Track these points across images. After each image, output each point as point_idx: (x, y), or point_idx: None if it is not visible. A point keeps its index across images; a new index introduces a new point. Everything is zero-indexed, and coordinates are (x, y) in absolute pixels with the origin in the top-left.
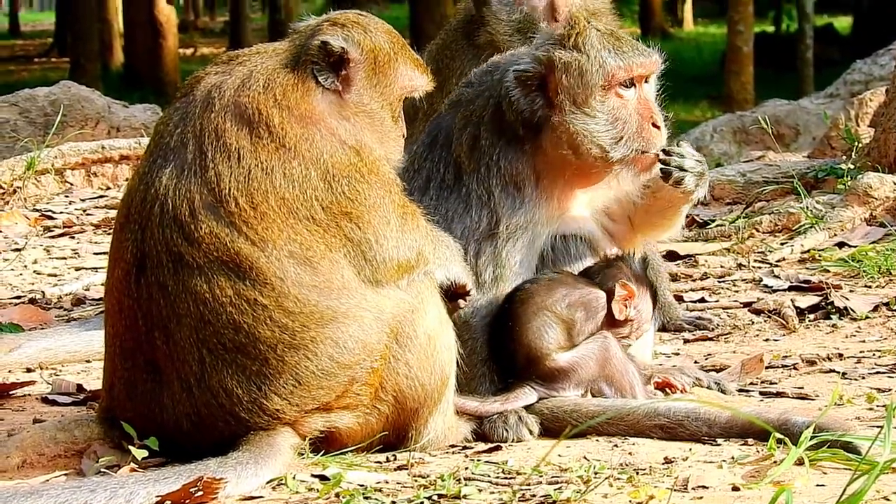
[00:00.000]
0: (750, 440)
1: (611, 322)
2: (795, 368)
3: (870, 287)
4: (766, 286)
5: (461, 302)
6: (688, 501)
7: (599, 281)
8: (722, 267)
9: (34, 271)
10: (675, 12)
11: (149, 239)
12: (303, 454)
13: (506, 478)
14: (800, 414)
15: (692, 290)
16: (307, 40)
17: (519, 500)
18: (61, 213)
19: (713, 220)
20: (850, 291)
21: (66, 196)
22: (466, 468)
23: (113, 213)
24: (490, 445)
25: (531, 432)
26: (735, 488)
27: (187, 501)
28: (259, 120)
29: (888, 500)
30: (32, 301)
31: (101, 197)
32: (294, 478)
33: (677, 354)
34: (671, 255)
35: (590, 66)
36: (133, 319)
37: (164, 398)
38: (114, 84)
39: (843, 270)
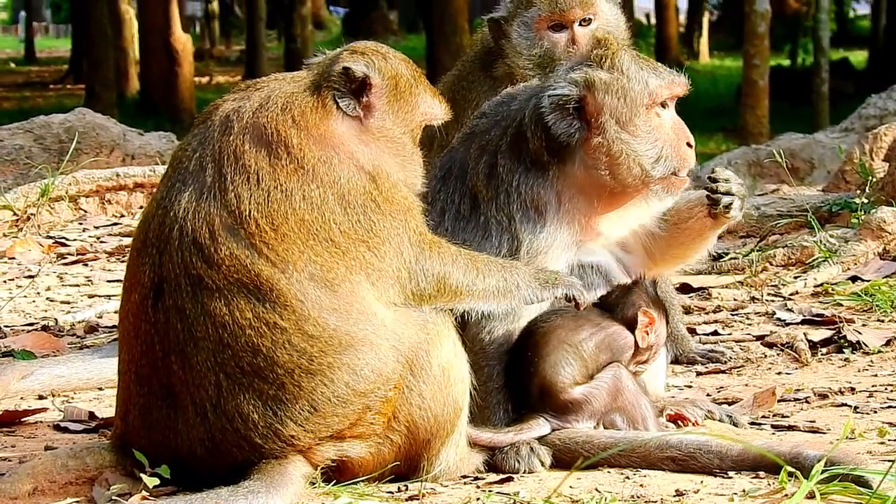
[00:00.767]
0: (761, 473)
1: (635, 351)
2: (807, 402)
3: (882, 321)
4: (778, 319)
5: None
6: None
7: (619, 310)
8: (735, 300)
9: (47, 298)
10: (692, 45)
11: (167, 263)
12: (314, 483)
13: None
14: (811, 447)
15: (705, 322)
16: (328, 67)
17: None
18: (75, 240)
19: (727, 253)
20: (863, 325)
21: (80, 223)
22: (478, 499)
23: (127, 241)
24: (501, 476)
25: (543, 464)
26: None
27: None
28: (278, 140)
29: None
30: (45, 328)
31: (115, 224)
32: None
33: (690, 387)
34: (684, 288)
35: (633, 85)
36: (150, 344)
37: (178, 424)
38: (129, 111)
39: (856, 304)
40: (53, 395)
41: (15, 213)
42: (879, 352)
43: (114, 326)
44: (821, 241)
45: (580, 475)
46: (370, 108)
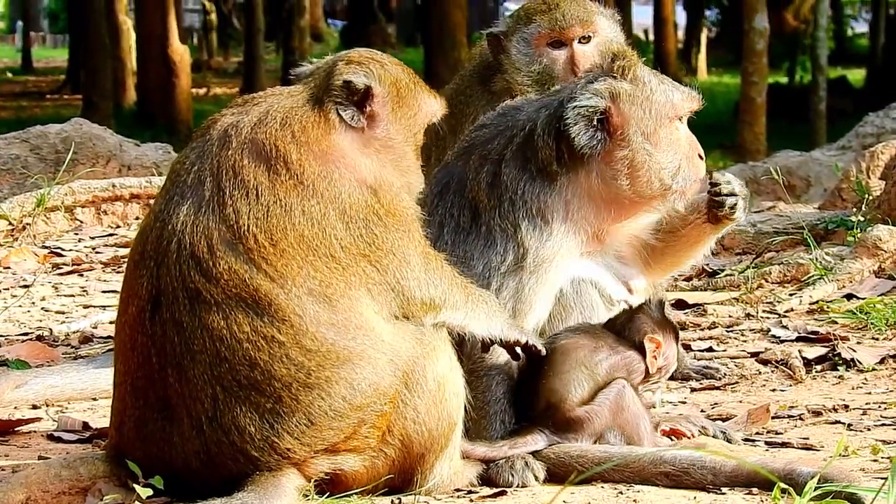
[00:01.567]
0: (755, 490)
1: (646, 376)
2: (801, 419)
3: (877, 339)
4: (773, 336)
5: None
6: None
7: (626, 336)
8: (730, 316)
9: (42, 308)
10: (690, 61)
11: (165, 276)
12: (307, 496)
13: None
14: (805, 464)
15: (700, 339)
16: (326, 80)
17: None
18: (70, 250)
19: (722, 270)
20: (858, 343)
21: (76, 234)
22: None
23: (123, 252)
24: (495, 490)
25: (537, 478)
26: None
27: None
28: (277, 156)
29: None
30: (40, 338)
31: (111, 235)
32: None
33: (684, 403)
34: (680, 304)
35: (658, 97)
36: (146, 357)
37: (174, 436)
38: (126, 122)
39: (851, 322)
40: (47, 405)
41: (10, 223)
42: (874, 369)
43: (108, 337)
44: (816, 259)
45: (574, 490)
46: (374, 117)
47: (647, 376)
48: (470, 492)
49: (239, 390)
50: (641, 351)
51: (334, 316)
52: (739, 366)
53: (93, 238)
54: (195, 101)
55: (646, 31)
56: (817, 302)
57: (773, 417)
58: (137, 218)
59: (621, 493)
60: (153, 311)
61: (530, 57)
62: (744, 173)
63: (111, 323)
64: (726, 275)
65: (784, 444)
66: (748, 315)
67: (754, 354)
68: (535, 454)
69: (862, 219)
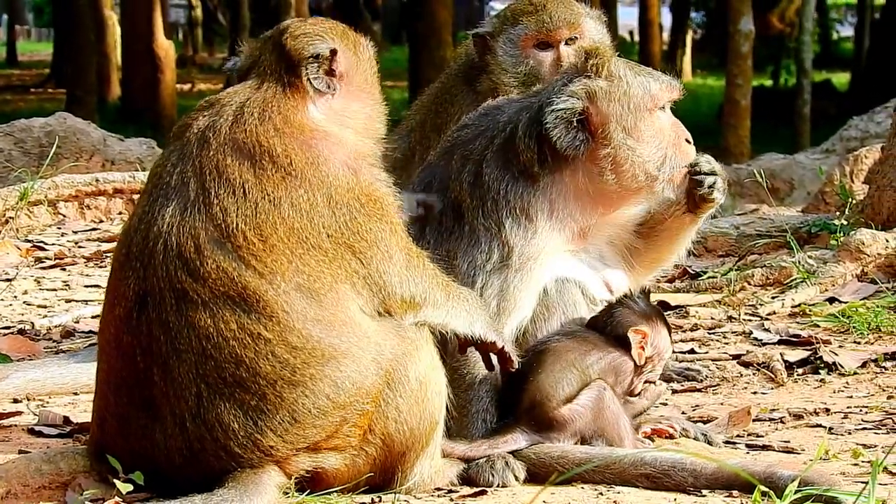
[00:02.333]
0: (735, 492)
1: (636, 369)
2: (782, 422)
3: (859, 343)
4: (755, 339)
5: (494, 360)
6: None
7: (609, 331)
8: (712, 319)
9: (24, 302)
10: (675, 63)
11: (151, 276)
12: (287, 493)
13: None
14: (786, 467)
15: (682, 340)
16: (284, 62)
17: None
18: (53, 244)
19: (705, 272)
20: (840, 347)
21: (59, 228)
22: None
23: (106, 247)
24: (475, 490)
25: (517, 478)
26: None
27: None
28: (261, 152)
29: None
30: (21, 332)
31: (94, 230)
32: None
33: (665, 405)
34: (662, 306)
35: (635, 91)
36: (132, 356)
37: (156, 433)
38: (110, 117)
39: (833, 326)
40: (28, 399)
41: None
42: (855, 373)
43: (90, 331)
44: (799, 262)
45: (554, 490)
46: (343, 77)
47: (638, 369)
48: (450, 491)
49: (224, 387)
50: (627, 345)
51: (321, 312)
52: (721, 368)
53: (76, 232)
54: (180, 96)
55: (631, 33)
56: (800, 305)
57: (754, 420)
58: (121, 213)
59: (601, 493)
60: (140, 311)
61: (516, 58)
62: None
63: (93, 317)
64: (709, 277)
65: (765, 447)
66: (730, 317)
67: (736, 357)
68: (515, 454)
69: (845, 222)
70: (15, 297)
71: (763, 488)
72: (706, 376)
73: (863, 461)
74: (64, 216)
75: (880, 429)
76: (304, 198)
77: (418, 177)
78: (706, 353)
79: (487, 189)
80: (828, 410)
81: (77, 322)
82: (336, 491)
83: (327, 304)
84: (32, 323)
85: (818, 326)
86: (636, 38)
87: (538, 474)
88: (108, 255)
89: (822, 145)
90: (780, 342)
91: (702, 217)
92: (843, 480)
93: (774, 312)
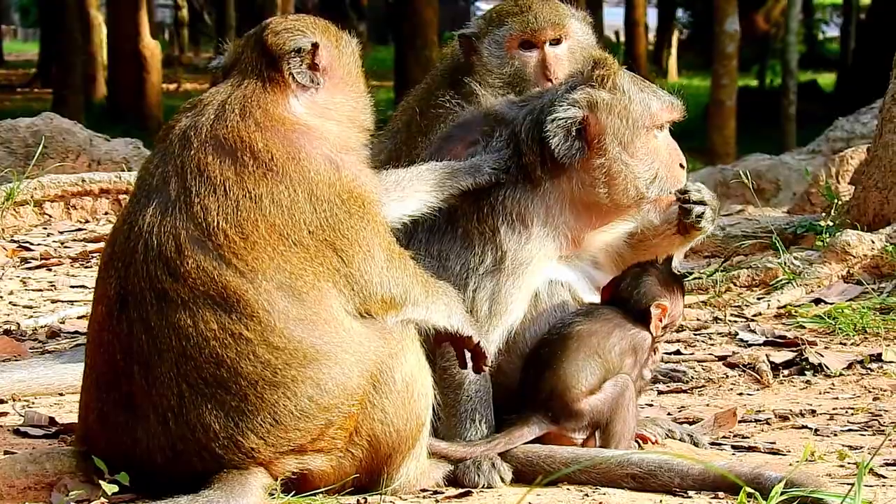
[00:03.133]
0: (721, 493)
1: (652, 341)
2: (768, 423)
3: (845, 344)
4: (741, 340)
5: (468, 358)
6: None
7: (633, 304)
8: (698, 320)
9: (10, 303)
10: (660, 63)
11: (132, 276)
12: (273, 494)
13: None
14: (771, 469)
15: (668, 341)
16: (265, 58)
17: None
18: (39, 244)
19: (691, 273)
20: (825, 348)
21: (45, 228)
22: None
23: (92, 247)
24: (461, 491)
25: (503, 479)
26: None
27: None
28: (242, 148)
29: None
30: (7, 332)
31: (80, 230)
32: None
33: (651, 405)
34: None
35: (635, 107)
36: (112, 354)
37: (138, 432)
38: (96, 117)
39: (819, 327)
40: (14, 400)
41: None
42: (841, 375)
43: (76, 332)
44: (785, 263)
45: (540, 491)
46: (326, 70)
47: (654, 340)
48: (436, 492)
49: (205, 388)
50: (647, 318)
51: (303, 311)
52: (707, 369)
53: (62, 233)
54: (166, 96)
55: (617, 33)
56: (785, 306)
57: (739, 421)
58: (107, 213)
59: (587, 495)
60: (120, 310)
61: (501, 59)
62: (713, 176)
63: (79, 318)
64: (695, 278)
65: (751, 449)
66: (716, 318)
67: (722, 358)
68: (502, 455)
69: (831, 223)
70: (0, 297)
71: (749, 490)
72: (692, 377)
73: (849, 462)
74: (50, 216)
75: (866, 430)
76: (285, 194)
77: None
78: (692, 354)
79: (484, 192)
80: (813, 412)
81: (63, 322)
82: (322, 492)
83: (309, 302)
84: (18, 323)
85: (804, 328)
86: (622, 38)
87: (525, 473)
88: (95, 255)
89: (808, 146)
90: (765, 343)
91: (690, 242)
92: (829, 482)
93: (760, 313)
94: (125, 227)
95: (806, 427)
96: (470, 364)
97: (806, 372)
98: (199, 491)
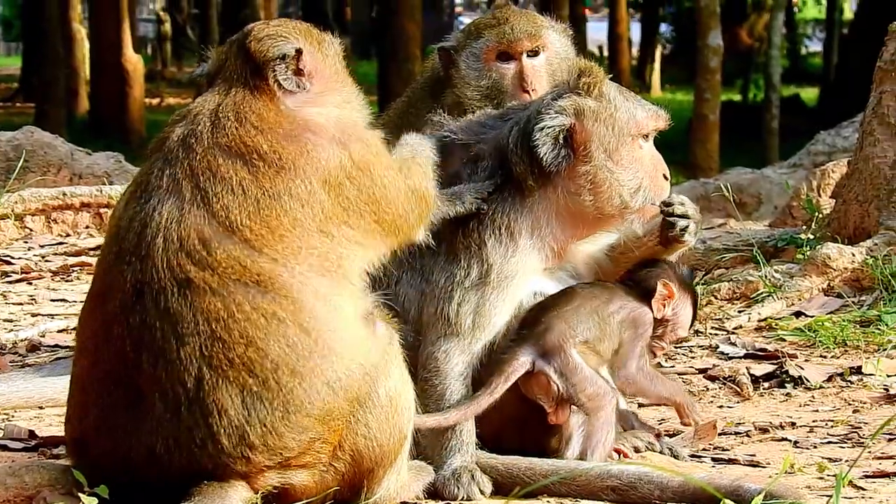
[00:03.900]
0: None
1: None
2: (748, 436)
3: (825, 357)
4: (722, 353)
5: None
6: None
7: (643, 280)
8: None
9: None
10: (644, 78)
11: (149, 269)
12: None
13: None
14: (751, 481)
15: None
16: (249, 65)
17: None
18: (20, 258)
19: None
20: (806, 361)
21: (26, 242)
22: None
23: (73, 261)
24: (440, 503)
25: (482, 492)
26: None
27: None
28: (249, 152)
29: None
30: None
31: (61, 244)
32: None
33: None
34: None
35: (621, 115)
36: (122, 347)
37: (140, 428)
38: (78, 131)
39: (800, 340)
40: None
41: None
42: (821, 387)
43: (56, 346)
44: (766, 276)
45: (519, 503)
46: (311, 74)
47: (656, 325)
48: None
49: (229, 369)
50: (651, 297)
51: (331, 288)
52: (687, 382)
53: (42, 246)
54: (148, 110)
55: (600, 48)
56: (766, 319)
57: (720, 434)
58: (87, 227)
59: None
60: (135, 302)
61: (479, 71)
62: (695, 190)
63: (59, 332)
64: None
65: (731, 461)
66: (697, 331)
67: (702, 371)
68: (482, 467)
69: (812, 237)
70: None
71: (729, 502)
72: None
73: (828, 475)
74: (31, 230)
75: (846, 442)
76: (302, 188)
77: None
78: (672, 366)
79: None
80: (793, 424)
81: (43, 336)
82: None
83: (336, 281)
84: None
85: (784, 340)
86: (605, 52)
87: (505, 485)
88: (76, 269)
89: (789, 160)
90: (746, 356)
91: (673, 254)
92: (809, 494)
93: (741, 326)
94: (135, 226)
95: (786, 439)
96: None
97: (786, 384)
98: (178, 503)
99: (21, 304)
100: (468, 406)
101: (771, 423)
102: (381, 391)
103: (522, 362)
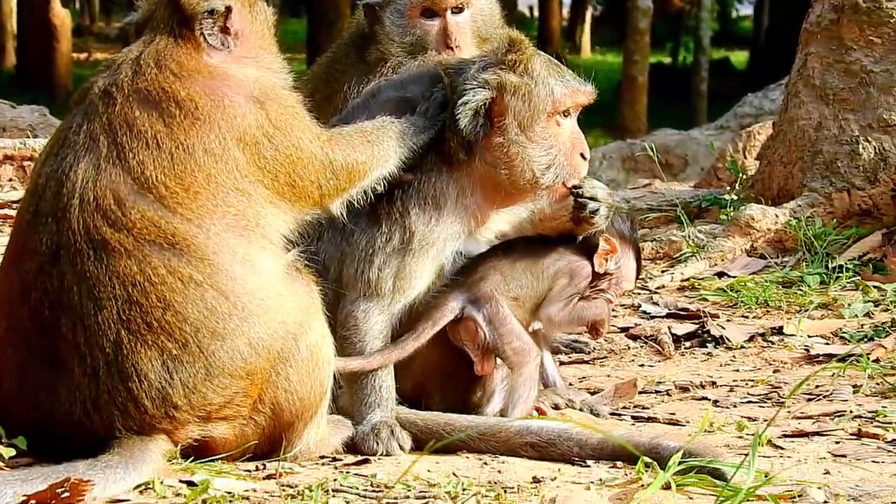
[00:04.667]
0: (619, 463)
1: (592, 275)
2: (668, 394)
3: (746, 317)
4: (644, 312)
5: None
6: None
7: (585, 240)
8: None
9: None
10: (574, 39)
11: (65, 230)
12: (172, 460)
13: (374, 491)
14: (670, 439)
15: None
16: (178, 15)
17: None
18: None
19: None
20: (727, 321)
21: None
22: (335, 480)
23: None
24: (359, 458)
25: (402, 448)
26: None
27: (54, 502)
28: (166, 98)
29: None
30: None
31: None
32: (162, 482)
33: None
34: None
35: (539, 91)
36: (38, 310)
37: (59, 387)
38: (5, 86)
39: (722, 300)
40: None
41: None
42: (742, 347)
43: None
44: (689, 237)
45: (438, 459)
46: (238, 35)
47: (595, 279)
48: (335, 459)
49: (147, 333)
50: (593, 252)
51: (249, 249)
52: (609, 341)
53: None
54: (76, 65)
55: (531, 8)
56: (689, 279)
57: (640, 392)
58: (11, 179)
59: (486, 463)
60: (52, 264)
61: (403, 28)
62: (622, 151)
63: None
64: None
65: (650, 419)
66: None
67: (624, 329)
68: (401, 423)
69: (735, 197)
70: None
71: (647, 459)
72: (594, 349)
73: (747, 434)
74: None
75: (765, 402)
76: (216, 143)
77: None
78: None
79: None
80: (714, 383)
81: None
82: (221, 458)
83: (254, 241)
84: None
85: (707, 300)
86: (536, 13)
87: (424, 442)
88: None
89: (716, 122)
90: (668, 315)
91: (584, 232)
92: (727, 452)
93: (664, 286)
94: (52, 185)
95: (706, 398)
96: None
97: (707, 344)
98: (97, 456)
99: None
100: (393, 350)
101: (691, 382)
102: (302, 346)
103: (452, 308)
